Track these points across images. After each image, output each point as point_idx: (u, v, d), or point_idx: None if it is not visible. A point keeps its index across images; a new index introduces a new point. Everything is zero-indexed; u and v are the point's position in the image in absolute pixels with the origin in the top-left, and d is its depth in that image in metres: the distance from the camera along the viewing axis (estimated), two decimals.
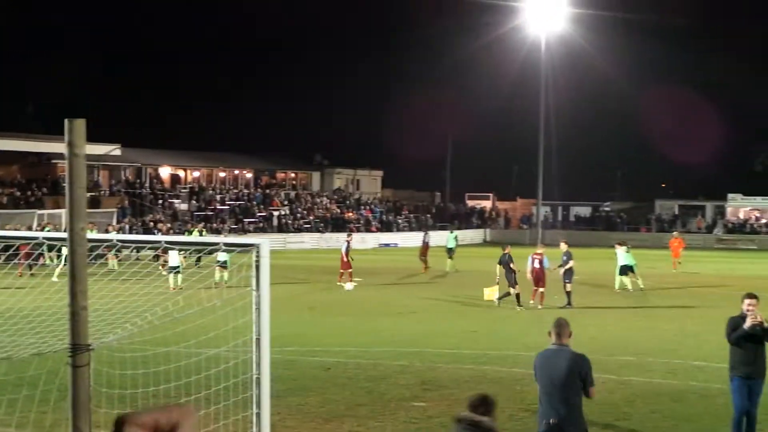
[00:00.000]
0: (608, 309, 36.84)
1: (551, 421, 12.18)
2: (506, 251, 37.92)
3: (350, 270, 45.35)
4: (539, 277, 37.26)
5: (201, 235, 56.52)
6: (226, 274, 40.13)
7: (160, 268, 42.07)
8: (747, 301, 15.70)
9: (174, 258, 40.78)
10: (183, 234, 59.07)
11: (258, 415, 11.02)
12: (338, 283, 44.85)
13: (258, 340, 11.01)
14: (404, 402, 18.96)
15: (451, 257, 56.65)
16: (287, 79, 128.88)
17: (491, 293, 37.93)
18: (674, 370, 22.58)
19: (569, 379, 12.14)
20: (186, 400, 14.68)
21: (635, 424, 17.38)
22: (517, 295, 36.50)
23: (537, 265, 37.37)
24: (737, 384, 15.68)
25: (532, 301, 36.87)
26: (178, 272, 40.46)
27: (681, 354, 24.84)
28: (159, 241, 12.98)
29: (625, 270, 43.37)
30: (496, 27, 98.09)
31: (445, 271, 54.65)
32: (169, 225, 70.34)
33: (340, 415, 17.83)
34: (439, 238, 65.11)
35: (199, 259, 41.37)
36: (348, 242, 47.37)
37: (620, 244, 44.57)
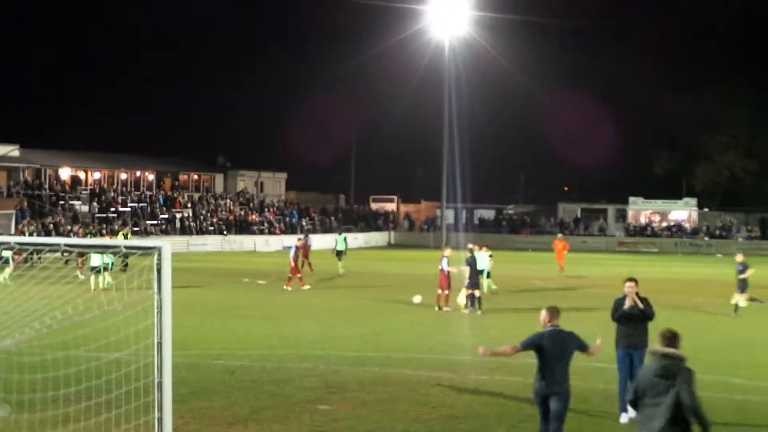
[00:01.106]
0: (514, 311, 37.08)
1: (551, 389, 14.68)
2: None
3: (299, 275, 45.03)
4: (445, 280, 37.38)
5: (126, 238, 55.69)
6: (108, 278, 39.83)
7: (78, 272, 41.42)
8: (627, 283, 18.45)
9: (96, 258, 40.15)
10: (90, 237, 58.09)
11: (160, 419, 10.90)
12: (285, 287, 44.48)
13: (160, 343, 10.89)
14: (309, 405, 18.87)
15: (340, 259, 55.97)
16: (189, 80, 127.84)
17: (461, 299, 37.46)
18: (577, 373, 22.71)
19: (570, 353, 14.82)
20: (86, 405, 14.46)
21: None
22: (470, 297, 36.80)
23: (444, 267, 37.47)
24: (621, 355, 18.34)
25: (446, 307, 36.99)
26: (99, 272, 39.93)
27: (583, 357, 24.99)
28: (58, 244, 12.73)
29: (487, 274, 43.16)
30: (400, 29, 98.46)
31: (338, 273, 54.21)
32: (81, 228, 69.25)
33: (244, 418, 17.68)
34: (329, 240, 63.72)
35: (126, 265, 40.33)
36: (297, 246, 47.09)
37: (480, 248, 44.50)
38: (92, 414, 14.68)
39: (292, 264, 45.30)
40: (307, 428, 17.02)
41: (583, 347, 15.08)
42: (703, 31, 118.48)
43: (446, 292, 37.33)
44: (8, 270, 38.70)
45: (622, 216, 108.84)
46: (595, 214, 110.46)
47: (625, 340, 18.28)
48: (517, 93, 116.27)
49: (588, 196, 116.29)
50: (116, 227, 73.60)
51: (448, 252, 38.82)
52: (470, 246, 39.50)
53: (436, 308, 36.94)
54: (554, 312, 14.96)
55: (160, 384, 10.90)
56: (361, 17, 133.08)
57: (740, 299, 36.60)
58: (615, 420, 18.14)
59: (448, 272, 37.36)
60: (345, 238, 58.14)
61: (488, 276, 43.52)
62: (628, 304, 18.22)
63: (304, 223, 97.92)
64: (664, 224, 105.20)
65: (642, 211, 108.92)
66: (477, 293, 36.90)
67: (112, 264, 39.87)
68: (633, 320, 18.23)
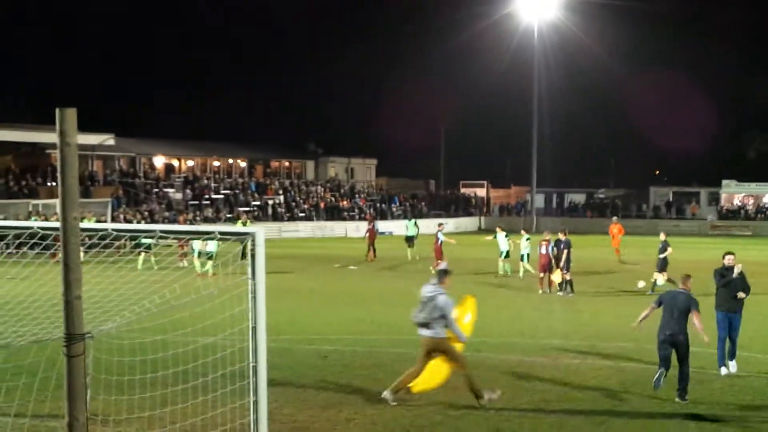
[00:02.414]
0: (602, 295, 36.91)
1: (667, 333, 18.30)
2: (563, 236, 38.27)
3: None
4: (546, 264, 37.62)
5: (245, 225, 56.05)
6: (209, 265, 40.20)
7: (182, 260, 41.80)
8: (729, 256, 21.23)
9: (211, 244, 40.66)
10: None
11: (255, 403, 11.05)
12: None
13: (254, 328, 11.04)
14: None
15: (411, 245, 55.11)
16: (281, 68, 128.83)
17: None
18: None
19: (684, 309, 18.34)
20: (183, 387, 14.73)
21: (632, 410, 17.42)
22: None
23: (545, 251, 37.77)
24: (721, 317, 20.88)
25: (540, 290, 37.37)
26: (212, 257, 40.30)
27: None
28: (154, 230, 12.96)
29: (522, 256, 43.15)
30: (489, 14, 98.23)
31: (408, 259, 53.70)
32: (187, 216, 70.07)
33: (337, 402, 17.86)
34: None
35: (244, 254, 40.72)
36: (439, 231, 47.29)
37: (501, 230, 45.24)
38: (189, 397, 14.95)
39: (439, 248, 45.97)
40: (399, 412, 17.12)
41: (689, 308, 18.33)
42: None
43: (542, 275, 37.78)
44: (143, 256, 40.74)
45: (714, 199, 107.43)
46: (687, 198, 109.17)
47: (726, 304, 20.87)
48: (606, 77, 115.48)
49: (679, 180, 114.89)
50: (238, 215, 74.43)
51: (547, 236, 38.86)
52: (558, 231, 39.63)
53: (540, 291, 37.48)
54: (684, 278, 19.11)
55: (254, 368, 11.03)
56: (450, 1, 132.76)
57: (659, 278, 37.21)
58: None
59: (548, 255, 37.71)
60: (416, 223, 57.81)
61: (507, 256, 44.18)
62: (736, 272, 20.84)
63: (394, 209, 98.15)
64: (758, 207, 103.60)
65: (735, 194, 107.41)
66: (568, 276, 36.91)
67: (213, 253, 40.10)
68: (734, 288, 20.83)
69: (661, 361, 18.19)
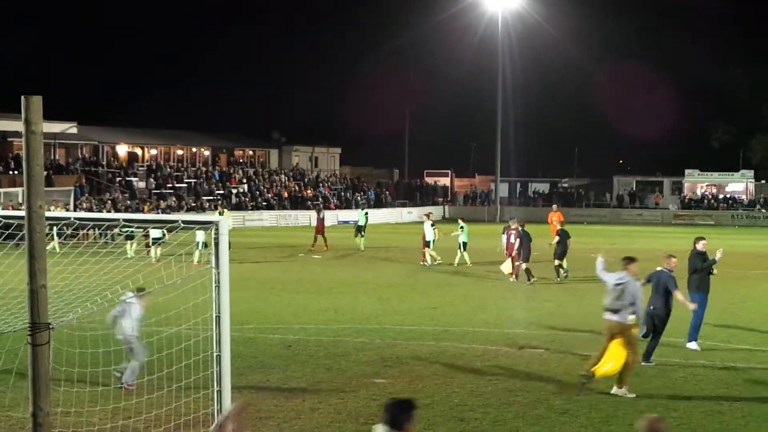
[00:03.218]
0: (567, 285, 37.02)
1: (651, 307, 20.62)
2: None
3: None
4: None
5: (222, 215, 55.73)
6: (158, 251, 40.18)
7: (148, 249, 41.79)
8: (701, 242, 23.40)
9: (155, 232, 40.64)
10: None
11: (219, 392, 11.02)
12: (422, 263, 44.45)
13: (218, 317, 11.00)
14: (365, 378, 18.99)
15: (361, 234, 54.43)
16: (244, 56, 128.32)
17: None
18: None
19: (664, 286, 20.67)
20: (147, 379, 14.67)
21: (595, 400, 17.49)
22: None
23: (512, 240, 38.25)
24: (701, 298, 22.52)
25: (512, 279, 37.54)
26: (158, 244, 40.32)
27: None
28: (117, 219, 12.89)
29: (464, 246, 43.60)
30: (454, 3, 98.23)
31: (359, 249, 53.08)
32: (152, 204, 69.68)
33: (301, 392, 17.85)
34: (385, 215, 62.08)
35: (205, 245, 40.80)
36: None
37: (428, 218, 45.45)
38: (154, 388, 14.90)
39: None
40: (363, 402, 17.14)
41: (668, 286, 20.73)
42: (761, 2, 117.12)
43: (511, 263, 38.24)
44: (134, 245, 41.93)
45: (678, 189, 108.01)
46: (651, 187, 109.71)
47: (705, 285, 22.94)
48: (571, 66, 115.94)
49: (643, 169, 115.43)
50: (172, 203, 74.20)
51: (513, 225, 39.14)
52: (511, 220, 40.23)
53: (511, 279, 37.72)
54: (668, 256, 21.37)
55: (218, 357, 11.02)
56: None
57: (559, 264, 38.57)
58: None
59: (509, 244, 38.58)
60: (366, 214, 57.47)
61: (430, 245, 44.39)
62: (719, 255, 23.10)
63: (359, 198, 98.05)
64: (721, 197, 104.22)
65: (698, 183, 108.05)
66: (524, 266, 37.17)
67: (163, 238, 40.30)
68: (709, 271, 23.04)
69: (647, 330, 20.50)
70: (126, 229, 40.55)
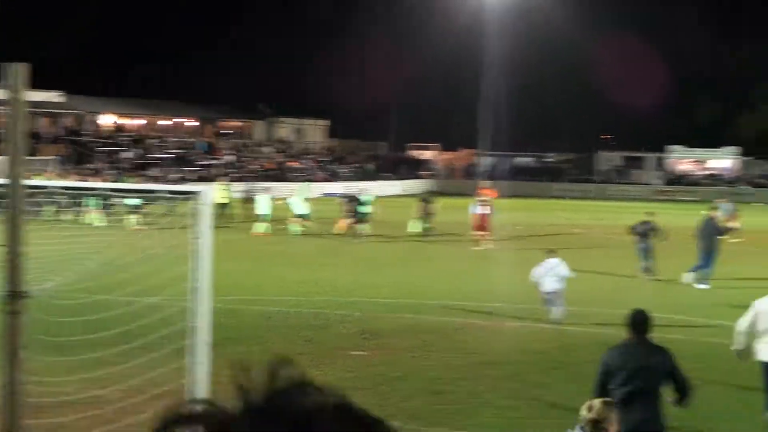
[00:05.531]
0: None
1: None
2: None
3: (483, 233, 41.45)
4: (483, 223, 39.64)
5: (225, 189, 56.60)
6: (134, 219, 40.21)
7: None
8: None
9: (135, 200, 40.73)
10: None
11: (195, 363, 11.06)
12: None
13: (196, 288, 11.06)
14: (344, 351, 19.14)
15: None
16: (230, 27, 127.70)
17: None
18: (610, 321, 22.72)
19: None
20: (123, 348, 14.74)
21: (571, 373, 17.66)
22: None
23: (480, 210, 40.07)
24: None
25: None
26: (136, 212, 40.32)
27: (618, 303, 24.98)
28: (102, 188, 12.96)
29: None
30: None
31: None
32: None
33: None
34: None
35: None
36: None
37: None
38: (129, 357, 14.97)
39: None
40: (342, 373, 17.27)
41: None
42: None
43: (478, 233, 40.03)
44: (135, 217, 40.97)
45: (662, 165, 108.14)
46: (636, 163, 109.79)
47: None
48: (555, 38, 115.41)
49: (628, 145, 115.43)
50: (158, 173, 74.08)
51: (484, 197, 40.23)
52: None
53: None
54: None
55: (194, 328, 11.09)
56: None
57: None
58: None
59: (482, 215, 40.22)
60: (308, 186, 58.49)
61: (302, 216, 46.45)
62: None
63: (345, 170, 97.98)
64: (705, 173, 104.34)
65: (682, 159, 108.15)
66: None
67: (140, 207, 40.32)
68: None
69: None
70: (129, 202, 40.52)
